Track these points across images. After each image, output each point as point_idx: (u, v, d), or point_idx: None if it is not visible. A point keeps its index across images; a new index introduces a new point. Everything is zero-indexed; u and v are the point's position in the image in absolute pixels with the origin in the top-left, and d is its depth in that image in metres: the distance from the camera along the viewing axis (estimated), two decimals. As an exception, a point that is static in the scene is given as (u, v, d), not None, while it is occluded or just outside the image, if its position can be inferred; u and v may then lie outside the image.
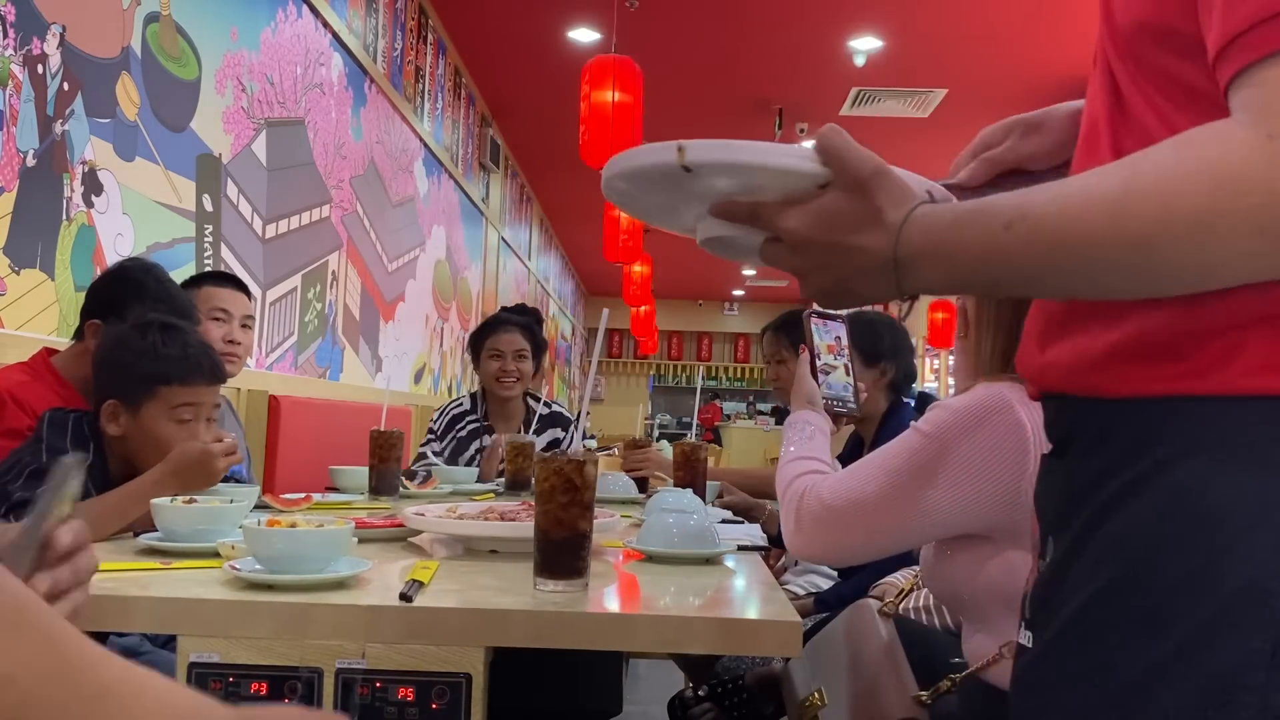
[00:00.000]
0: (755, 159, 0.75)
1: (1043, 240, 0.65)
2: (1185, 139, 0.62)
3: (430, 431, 3.23)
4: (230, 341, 2.38)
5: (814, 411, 1.50)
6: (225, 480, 1.85)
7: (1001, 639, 1.19)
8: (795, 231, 0.74)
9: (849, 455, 2.57)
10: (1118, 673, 0.67)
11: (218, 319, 2.37)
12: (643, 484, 2.46)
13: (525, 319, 3.25)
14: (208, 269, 2.89)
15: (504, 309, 3.44)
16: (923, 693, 1.33)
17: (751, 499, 2.46)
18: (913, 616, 1.70)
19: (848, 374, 1.61)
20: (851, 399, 1.57)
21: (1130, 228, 0.62)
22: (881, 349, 2.40)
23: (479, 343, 3.19)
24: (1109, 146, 0.73)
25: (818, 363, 1.58)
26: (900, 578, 1.80)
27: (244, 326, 2.42)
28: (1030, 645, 0.76)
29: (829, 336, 1.62)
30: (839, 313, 1.65)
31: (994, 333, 1.30)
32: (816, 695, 1.49)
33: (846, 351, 1.63)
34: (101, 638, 1.55)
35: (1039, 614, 0.75)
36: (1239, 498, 0.64)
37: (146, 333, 1.62)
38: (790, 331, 2.59)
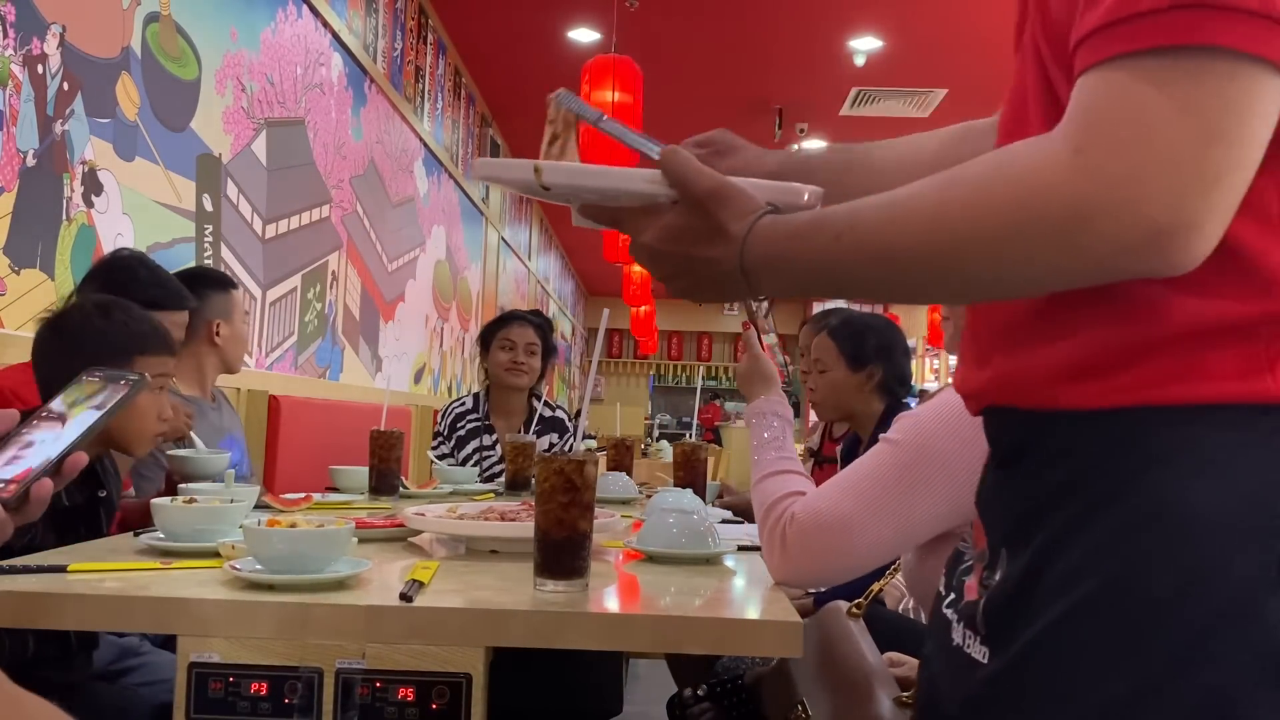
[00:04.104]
0: (605, 184, 0.81)
1: (868, 250, 0.68)
2: (1005, 151, 0.63)
3: (437, 434, 3.23)
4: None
5: (776, 397, 1.47)
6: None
7: None
8: (649, 246, 0.80)
9: (848, 453, 2.57)
10: (1098, 693, 0.65)
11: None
12: None
13: (539, 319, 3.28)
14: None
15: (516, 310, 3.45)
16: (904, 694, 1.33)
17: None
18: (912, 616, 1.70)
19: (780, 349, 1.58)
20: (788, 375, 1.56)
21: (943, 239, 0.64)
22: (867, 352, 2.40)
23: (491, 335, 3.19)
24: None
25: (765, 339, 1.55)
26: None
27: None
28: (986, 661, 0.72)
29: (766, 310, 1.59)
30: None
31: None
32: (800, 709, 1.48)
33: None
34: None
35: (998, 629, 0.72)
36: (1215, 509, 0.63)
37: (111, 311, 1.63)
38: (837, 335, 2.50)
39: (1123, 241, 0.58)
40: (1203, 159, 0.57)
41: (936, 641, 0.83)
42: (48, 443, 0.72)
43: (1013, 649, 0.70)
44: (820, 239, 0.71)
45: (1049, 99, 0.70)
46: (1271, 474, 0.63)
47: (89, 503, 1.51)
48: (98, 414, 0.76)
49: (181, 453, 1.89)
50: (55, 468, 0.71)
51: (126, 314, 1.64)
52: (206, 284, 2.37)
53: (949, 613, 0.80)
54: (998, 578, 0.73)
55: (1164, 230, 0.58)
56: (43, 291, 2.20)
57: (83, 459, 0.73)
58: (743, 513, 2.40)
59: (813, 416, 2.87)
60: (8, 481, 0.69)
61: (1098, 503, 0.66)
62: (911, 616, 1.80)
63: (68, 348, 1.60)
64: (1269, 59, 0.57)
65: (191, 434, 1.97)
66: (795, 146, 7.48)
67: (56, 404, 0.77)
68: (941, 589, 0.86)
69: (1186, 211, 0.57)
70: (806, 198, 0.81)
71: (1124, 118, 0.58)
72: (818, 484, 1.30)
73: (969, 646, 0.75)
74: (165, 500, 1.36)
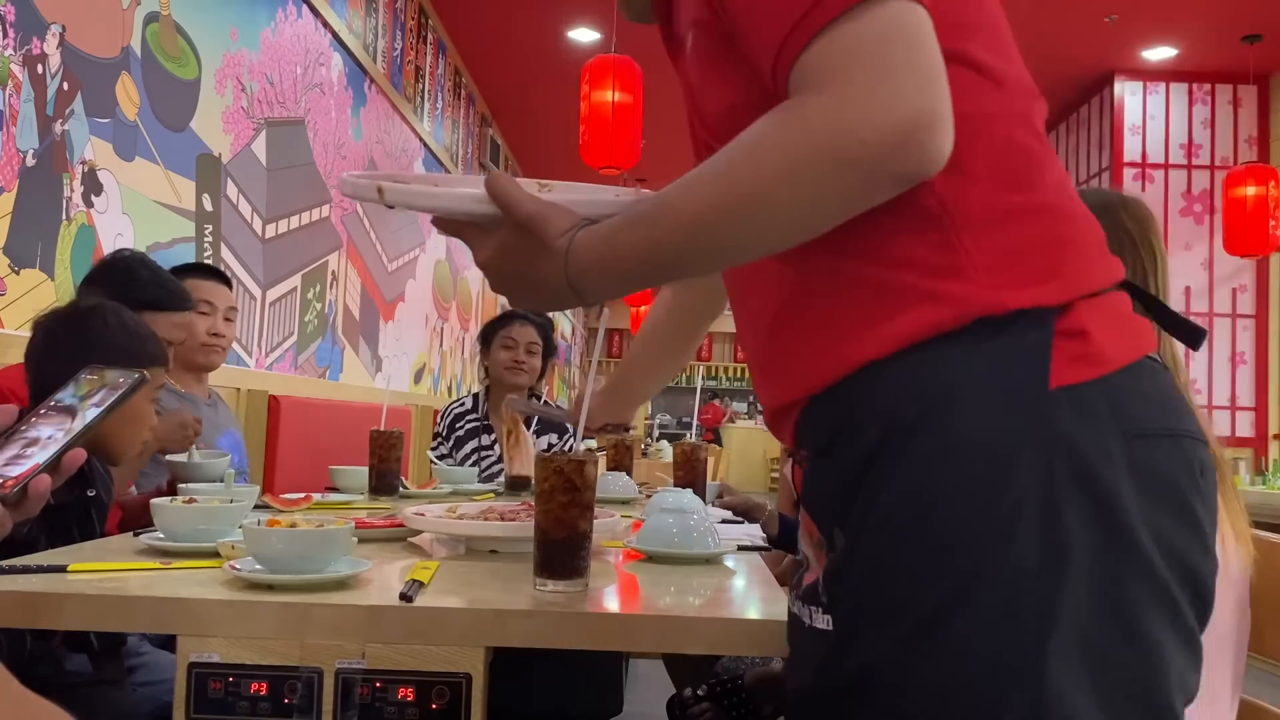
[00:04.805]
0: (438, 204, 0.87)
1: (682, 223, 0.75)
2: (766, 115, 0.72)
3: (436, 435, 3.23)
4: (214, 334, 2.38)
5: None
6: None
7: None
8: (486, 264, 0.86)
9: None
10: (912, 612, 0.72)
11: (203, 312, 2.36)
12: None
13: (540, 319, 3.28)
14: (207, 269, 2.89)
15: (518, 309, 3.45)
16: None
17: (752, 499, 2.46)
18: None
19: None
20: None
21: (743, 189, 0.71)
22: None
23: (492, 333, 3.20)
24: None
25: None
26: None
27: (226, 319, 2.43)
28: (830, 628, 0.79)
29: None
30: None
31: None
32: None
33: None
34: (115, 640, 1.55)
35: (837, 595, 0.78)
36: (996, 429, 0.72)
37: (124, 317, 1.60)
38: None
39: (883, 144, 0.67)
40: (915, 62, 0.68)
41: (791, 639, 0.89)
42: (47, 439, 0.73)
43: (845, 610, 0.77)
44: (636, 231, 0.77)
45: None
46: (1023, 381, 0.72)
47: (78, 503, 1.50)
48: (97, 410, 0.77)
49: (179, 458, 1.89)
50: (54, 464, 0.71)
51: (136, 321, 1.63)
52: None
53: (795, 606, 0.86)
54: (835, 554, 0.79)
55: (912, 122, 0.67)
56: (42, 291, 2.20)
57: (81, 455, 0.73)
58: (743, 513, 2.40)
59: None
60: (7, 478, 0.69)
61: (896, 453, 0.74)
62: None
63: (87, 353, 1.56)
64: None
65: (192, 449, 1.95)
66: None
67: (56, 400, 0.77)
68: (789, 602, 0.90)
69: (923, 102, 0.67)
70: (617, 203, 0.85)
71: (840, 60, 0.69)
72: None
73: (816, 621, 0.81)
74: (165, 500, 1.36)
